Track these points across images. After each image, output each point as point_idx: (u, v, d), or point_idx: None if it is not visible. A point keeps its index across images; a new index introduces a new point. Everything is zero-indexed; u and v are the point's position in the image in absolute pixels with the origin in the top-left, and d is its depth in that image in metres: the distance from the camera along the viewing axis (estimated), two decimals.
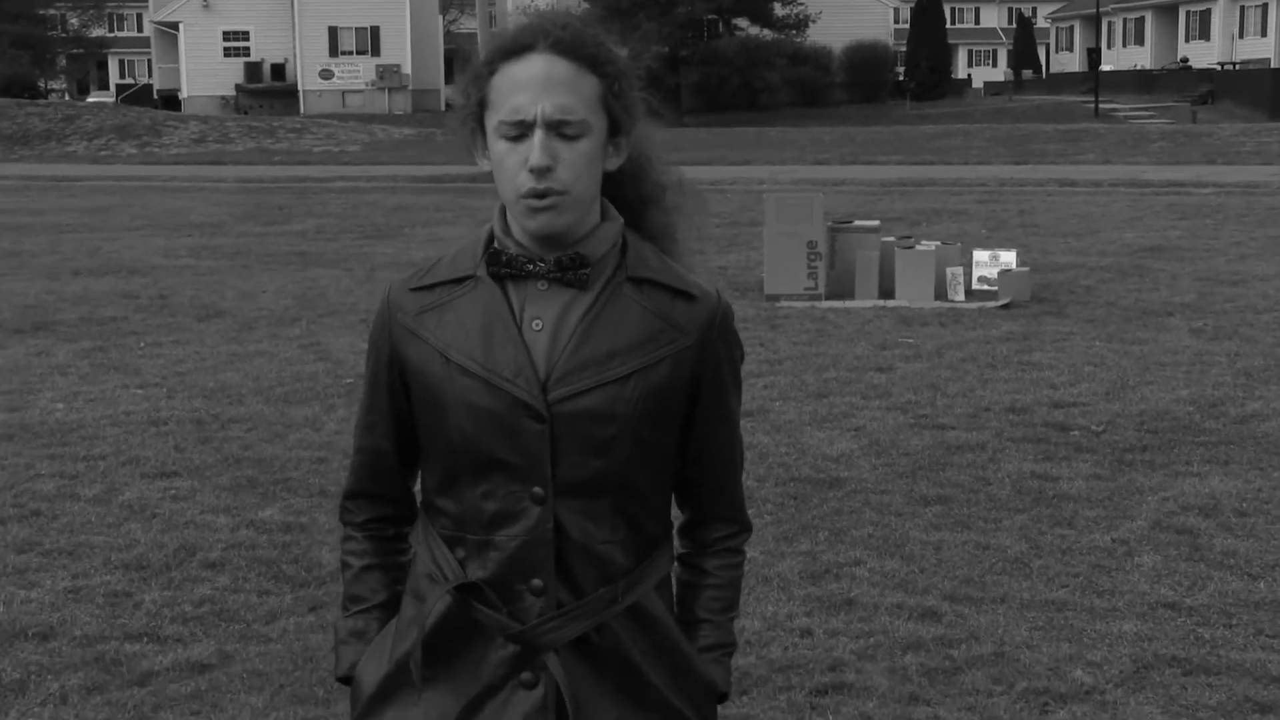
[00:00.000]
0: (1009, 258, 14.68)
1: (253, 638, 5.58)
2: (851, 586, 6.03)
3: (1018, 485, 7.50)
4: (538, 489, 2.30)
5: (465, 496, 2.35)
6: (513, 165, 2.26)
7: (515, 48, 2.27)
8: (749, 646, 5.36)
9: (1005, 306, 13.60)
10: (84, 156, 44.99)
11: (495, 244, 2.36)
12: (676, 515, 2.45)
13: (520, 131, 2.24)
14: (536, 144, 2.22)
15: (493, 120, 2.28)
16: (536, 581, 2.30)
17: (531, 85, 2.23)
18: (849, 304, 13.89)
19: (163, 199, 29.08)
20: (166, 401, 9.75)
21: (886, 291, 14.13)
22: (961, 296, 14.02)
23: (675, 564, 2.50)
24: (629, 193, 2.43)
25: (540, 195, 2.24)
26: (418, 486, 2.50)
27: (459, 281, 2.36)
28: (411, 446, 2.46)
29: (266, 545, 6.67)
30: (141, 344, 12.08)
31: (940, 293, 14.05)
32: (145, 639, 5.57)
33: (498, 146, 2.27)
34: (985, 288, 14.32)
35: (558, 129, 2.24)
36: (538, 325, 2.32)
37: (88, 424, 9.13)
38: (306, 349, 11.66)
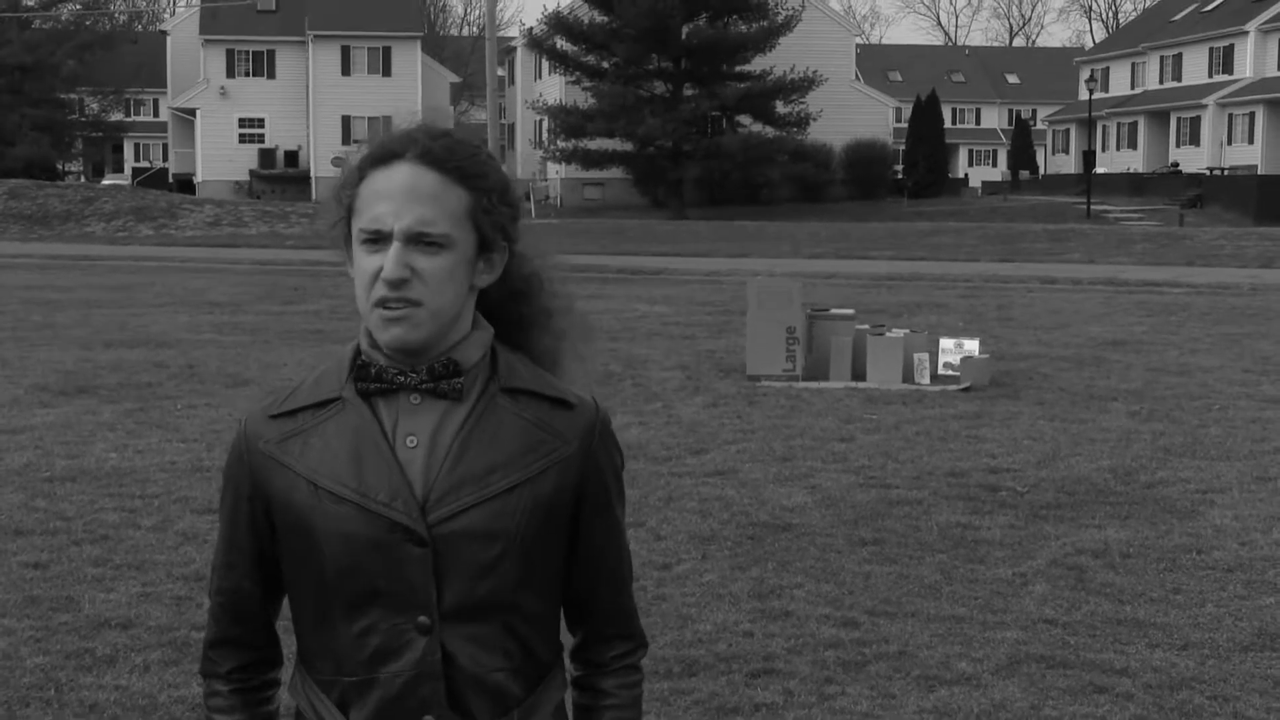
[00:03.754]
0: (972, 345, 15.96)
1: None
2: (790, 603, 7.28)
3: (943, 532, 8.76)
4: (423, 618, 2.19)
5: (341, 635, 2.22)
6: (368, 274, 2.17)
7: (384, 155, 2.21)
8: (700, 642, 6.61)
9: (965, 390, 14.87)
10: (102, 237, 46.51)
11: (363, 358, 2.26)
12: (565, 637, 2.41)
13: (378, 240, 2.17)
14: (392, 255, 2.14)
15: (355, 227, 2.21)
16: (429, 719, 2.21)
17: (393, 195, 2.16)
18: (823, 385, 15.17)
19: (182, 278, 30.50)
20: (207, 453, 11.02)
21: (858, 374, 15.42)
22: (927, 380, 15.30)
23: (570, 689, 2.41)
24: (512, 311, 2.36)
25: (393, 305, 2.15)
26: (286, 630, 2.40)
27: (323, 405, 2.26)
28: (274, 586, 2.35)
29: None
30: (178, 406, 13.36)
31: (907, 376, 15.33)
32: None
33: (358, 254, 2.20)
34: (949, 372, 15.61)
35: (416, 240, 2.15)
36: (412, 442, 2.21)
37: (139, 470, 10.39)
38: None
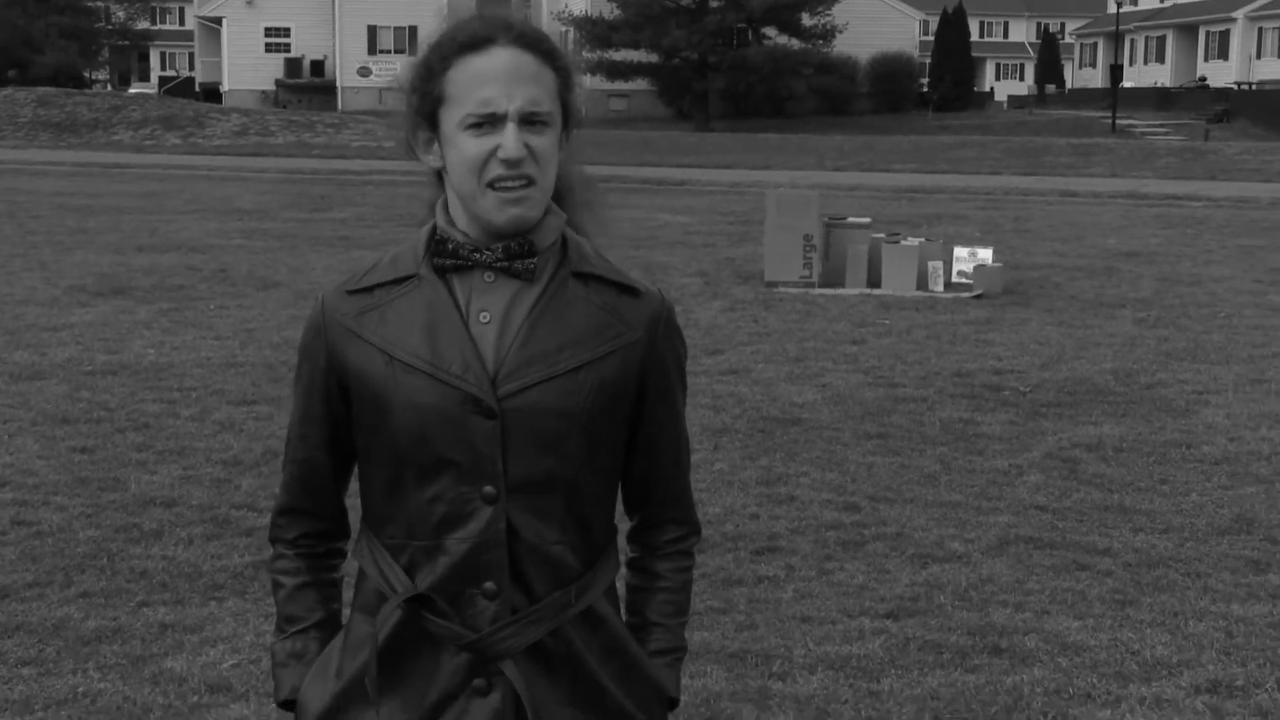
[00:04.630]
0: (986, 254, 16.27)
1: None
2: (795, 490, 7.69)
3: (946, 427, 9.16)
4: (489, 488, 2.26)
5: (411, 502, 2.30)
6: (479, 157, 2.22)
7: (476, 41, 2.24)
8: (709, 523, 7.01)
9: (978, 297, 15.20)
10: (129, 145, 46.81)
11: (439, 234, 2.32)
12: (620, 519, 2.46)
13: (489, 124, 2.21)
14: (510, 135, 2.20)
15: (455, 114, 2.24)
16: (489, 585, 2.28)
17: (499, 77, 2.21)
18: (839, 291, 15.52)
19: (210, 187, 30.85)
20: (240, 350, 11.45)
21: (874, 281, 15.76)
22: (940, 288, 15.64)
23: (623, 568, 2.49)
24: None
25: (511, 185, 2.22)
26: (357, 503, 2.47)
27: (399, 282, 2.32)
28: (346, 458, 2.43)
29: None
30: (211, 306, 13.79)
31: (921, 284, 15.67)
32: (246, 509, 7.24)
33: (462, 139, 2.23)
34: (963, 280, 15.93)
35: (528, 120, 2.22)
36: (485, 318, 2.29)
37: (176, 365, 10.83)
38: None
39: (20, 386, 10.00)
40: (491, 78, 2.21)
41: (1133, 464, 8.32)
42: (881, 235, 16.56)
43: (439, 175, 2.34)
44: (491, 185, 2.22)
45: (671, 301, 2.41)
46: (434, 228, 2.33)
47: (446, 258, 2.29)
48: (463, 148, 2.23)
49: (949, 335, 12.65)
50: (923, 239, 16.76)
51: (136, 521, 7.01)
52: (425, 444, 2.26)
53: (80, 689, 5.10)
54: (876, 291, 15.43)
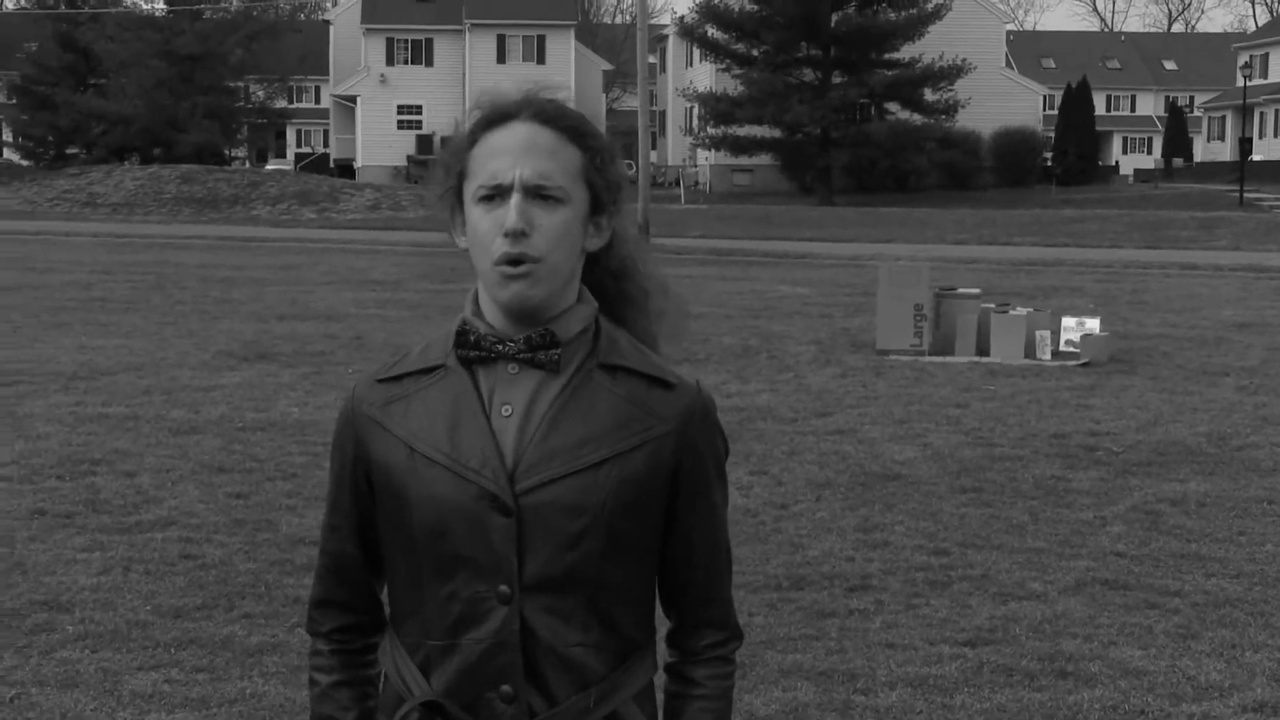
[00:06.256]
0: (1093, 324, 16.73)
1: None
2: (890, 536, 8.29)
3: (1038, 483, 9.69)
4: (504, 587, 2.20)
5: (429, 599, 2.25)
6: (487, 230, 2.19)
7: (497, 117, 2.24)
8: (807, 564, 7.64)
9: (1084, 365, 15.66)
10: (267, 219, 48.53)
11: (464, 325, 2.27)
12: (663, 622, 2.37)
13: (497, 195, 2.19)
14: (513, 207, 2.16)
15: (470, 188, 2.23)
16: (506, 689, 2.20)
17: (511, 150, 2.19)
18: (948, 359, 16.05)
19: (345, 259, 32.08)
20: None
21: (983, 350, 16.28)
22: (1048, 356, 16.11)
23: (662, 674, 2.37)
24: (611, 290, 2.37)
25: (515, 262, 2.16)
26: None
27: (428, 371, 2.29)
28: (378, 551, 2.37)
29: None
30: (349, 370, 14.66)
31: (1029, 352, 16.15)
32: None
33: (474, 213, 2.21)
34: (1070, 349, 16.39)
35: (536, 193, 2.18)
36: (507, 411, 2.23)
37: (319, 422, 11.65)
38: None
39: (179, 440, 10.88)
40: (503, 150, 2.20)
41: (1213, 517, 8.80)
42: (991, 305, 17.08)
43: None
44: (496, 261, 2.18)
45: (710, 395, 2.33)
46: (462, 320, 2.30)
47: (469, 349, 2.26)
48: (474, 222, 2.22)
49: (1050, 400, 13.15)
50: (1031, 309, 17.25)
51: (288, 557, 7.76)
52: (442, 539, 2.22)
53: (248, 691, 5.83)
54: (985, 360, 15.94)
